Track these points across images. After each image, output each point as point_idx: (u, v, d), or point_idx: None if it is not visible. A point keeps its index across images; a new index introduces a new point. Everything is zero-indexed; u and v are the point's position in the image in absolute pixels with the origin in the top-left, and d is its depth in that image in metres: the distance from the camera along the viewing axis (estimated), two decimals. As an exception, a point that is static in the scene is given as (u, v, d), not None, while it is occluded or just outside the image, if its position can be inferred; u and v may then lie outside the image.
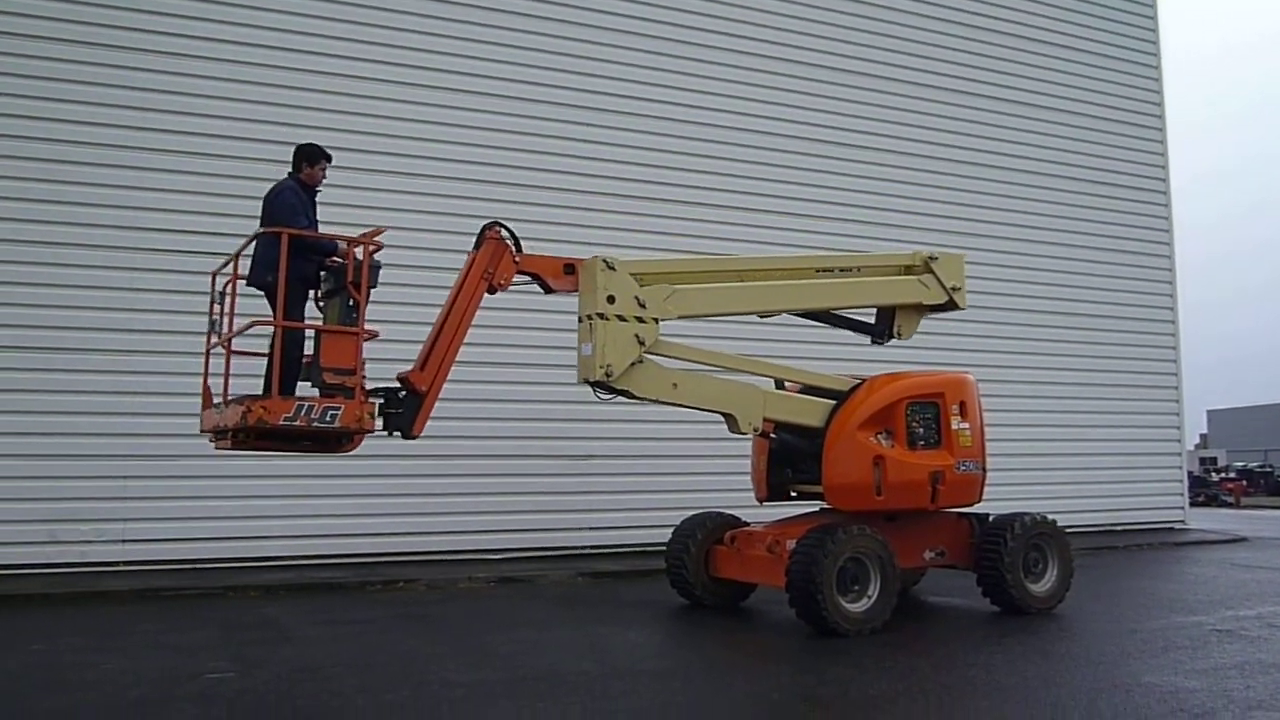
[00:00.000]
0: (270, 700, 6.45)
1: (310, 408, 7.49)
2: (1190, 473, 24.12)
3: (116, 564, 12.01)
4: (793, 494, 10.19)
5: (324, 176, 8.66)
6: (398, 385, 8.40)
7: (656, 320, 8.96)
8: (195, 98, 12.77)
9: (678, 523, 10.54)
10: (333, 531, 12.70)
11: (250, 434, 7.64)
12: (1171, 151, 20.32)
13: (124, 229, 12.41)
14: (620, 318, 8.79)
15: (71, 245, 12.21)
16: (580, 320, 9.02)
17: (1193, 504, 22.16)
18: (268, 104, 13.03)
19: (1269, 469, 42.00)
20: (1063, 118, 19.01)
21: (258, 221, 8.38)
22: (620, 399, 9.13)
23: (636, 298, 8.87)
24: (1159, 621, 9.70)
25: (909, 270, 10.36)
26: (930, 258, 10.38)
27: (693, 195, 15.41)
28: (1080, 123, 19.18)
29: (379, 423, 8.16)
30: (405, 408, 8.33)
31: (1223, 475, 40.70)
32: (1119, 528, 18.58)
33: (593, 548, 14.38)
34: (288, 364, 7.86)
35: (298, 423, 7.43)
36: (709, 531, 10.27)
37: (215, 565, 12.11)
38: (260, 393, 7.96)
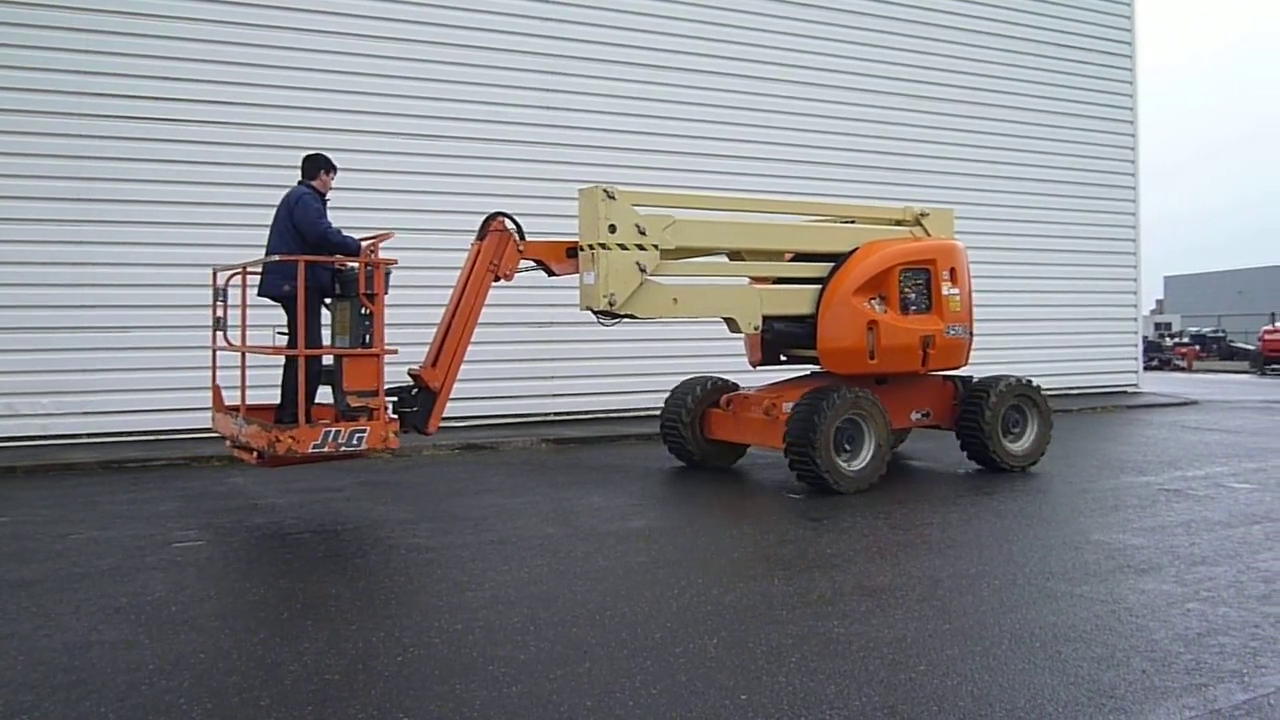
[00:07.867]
0: (239, 567, 6.52)
1: (337, 433, 7.56)
2: (1145, 338, 24.55)
3: (80, 436, 11.98)
4: (783, 358, 10.46)
5: (330, 187, 8.53)
6: (410, 383, 8.48)
7: (657, 247, 9.04)
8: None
9: (659, 387, 10.88)
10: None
11: (278, 459, 7.73)
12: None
13: (76, 94, 11.98)
14: (622, 246, 8.87)
15: (20, 112, 11.80)
16: (581, 249, 9.07)
17: (1146, 368, 22.64)
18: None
19: (1222, 334, 42.70)
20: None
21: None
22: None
23: (637, 225, 8.95)
24: (1110, 482, 9.99)
25: (900, 224, 10.54)
26: (921, 214, 10.54)
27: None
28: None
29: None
30: (419, 405, 8.43)
31: (1176, 340, 41.34)
32: (1073, 391, 18.97)
33: (556, 414, 14.51)
34: (310, 380, 7.79)
35: (325, 449, 7.54)
36: (704, 394, 10.57)
37: (179, 436, 12.12)
38: (278, 404, 8.22)
